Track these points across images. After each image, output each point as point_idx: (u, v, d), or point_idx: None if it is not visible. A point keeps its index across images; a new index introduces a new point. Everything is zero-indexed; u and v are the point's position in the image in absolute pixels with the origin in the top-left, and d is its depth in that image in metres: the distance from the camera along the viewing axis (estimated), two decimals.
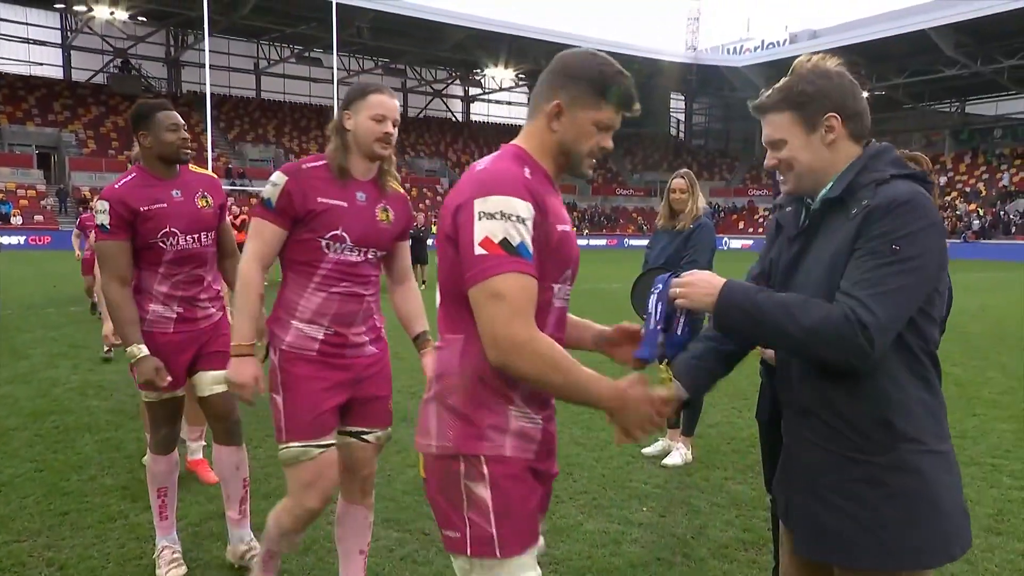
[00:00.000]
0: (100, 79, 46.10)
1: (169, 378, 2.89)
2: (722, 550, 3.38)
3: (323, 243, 2.41)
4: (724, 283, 1.63)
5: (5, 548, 3.24)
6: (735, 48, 52.59)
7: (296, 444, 2.40)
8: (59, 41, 45.85)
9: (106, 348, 7.97)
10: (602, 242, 46.59)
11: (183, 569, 3.05)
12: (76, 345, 8.28)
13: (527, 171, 1.62)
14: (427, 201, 41.72)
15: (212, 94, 32.95)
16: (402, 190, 2.67)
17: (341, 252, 2.44)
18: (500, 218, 1.50)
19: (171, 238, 2.91)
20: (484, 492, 1.59)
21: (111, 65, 46.70)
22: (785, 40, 49.01)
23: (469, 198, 1.55)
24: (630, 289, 4.70)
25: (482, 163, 1.65)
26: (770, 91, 1.72)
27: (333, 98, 35.61)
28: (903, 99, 44.28)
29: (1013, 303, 14.42)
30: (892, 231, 1.51)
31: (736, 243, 44.31)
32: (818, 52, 1.81)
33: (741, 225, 49.63)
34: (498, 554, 1.58)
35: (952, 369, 7.41)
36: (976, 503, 3.91)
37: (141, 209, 2.83)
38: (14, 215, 33.63)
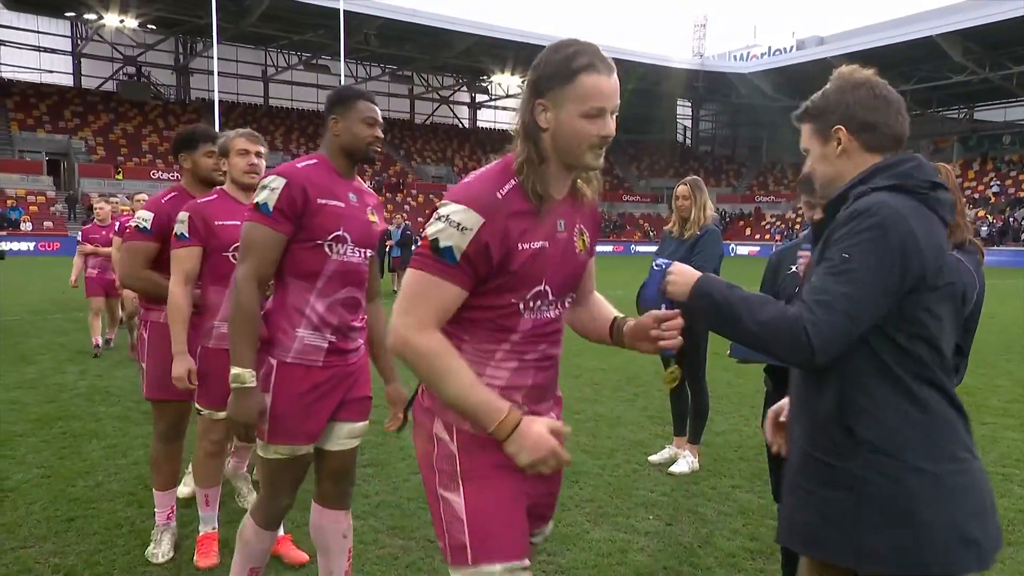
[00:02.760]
0: (110, 86, 46.44)
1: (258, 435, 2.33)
2: (729, 559, 3.36)
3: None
4: (700, 275, 1.73)
5: (12, 554, 3.25)
6: (742, 55, 52.63)
7: (499, 567, 1.63)
8: (69, 49, 46.23)
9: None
10: (608, 248, 46.57)
11: None
12: (83, 351, 8.31)
13: None
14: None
15: (220, 101, 33.20)
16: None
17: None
18: None
19: (340, 244, 2.38)
20: None
21: (121, 72, 47.04)
22: (792, 47, 49.03)
23: None
24: (636, 295, 4.71)
25: None
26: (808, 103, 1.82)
27: None
28: (911, 105, 44.05)
29: (1022, 310, 14.32)
30: (844, 239, 1.57)
31: (743, 249, 44.21)
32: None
33: (748, 231, 49.52)
34: None
35: None
36: None
37: (317, 200, 2.32)
38: (24, 221, 33.86)
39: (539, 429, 1.62)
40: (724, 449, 5.06)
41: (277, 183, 2.28)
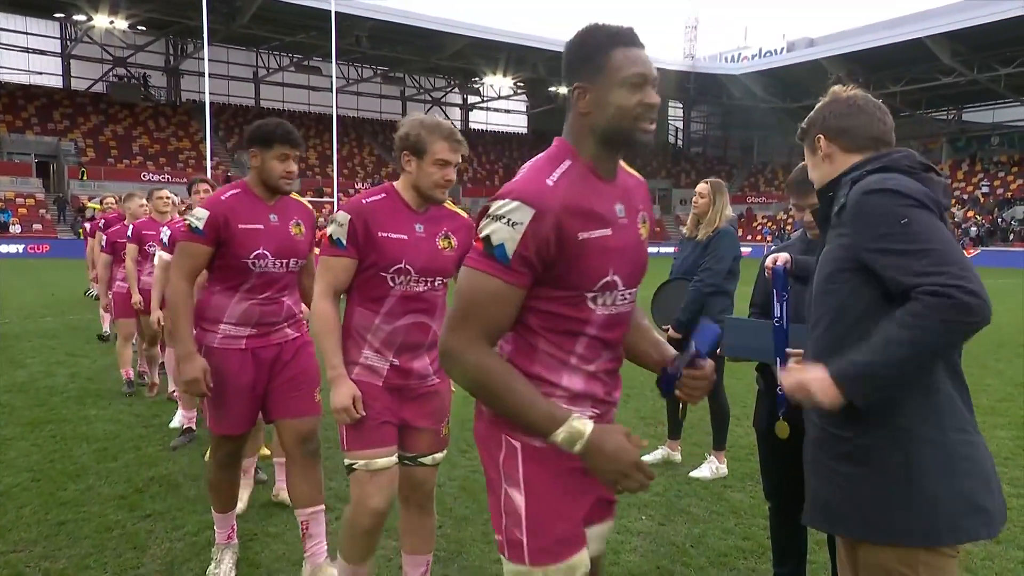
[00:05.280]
0: (99, 88, 46.19)
1: None
2: (721, 559, 3.38)
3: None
4: (829, 371, 1.61)
5: (2, 559, 3.23)
6: (733, 56, 52.79)
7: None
8: (59, 50, 45.93)
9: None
10: None
11: None
12: (74, 354, 8.26)
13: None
14: None
15: (211, 103, 33.03)
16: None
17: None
18: None
19: (609, 292, 1.74)
20: None
21: (110, 74, 46.80)
22: (782, 48, 49.20)
23: None
24: (651, 297, 4.65)
25: None
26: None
27: (332, 106, 35.75)
28: (900, 107, 44.42)
29: (1011, 310, 14.43)
30: (886, 214, 1.60)
31: None
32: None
33: (739, 232, 49.48)
34: None
35: None
36: None
37: (578, 235, 1.60)
38: (13, 224, 33.64)
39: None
40: None
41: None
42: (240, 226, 2.88)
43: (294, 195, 3.11)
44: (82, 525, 3.60)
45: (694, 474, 4.51)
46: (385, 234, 2.44)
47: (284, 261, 2.99)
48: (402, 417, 2.55)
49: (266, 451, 4.46)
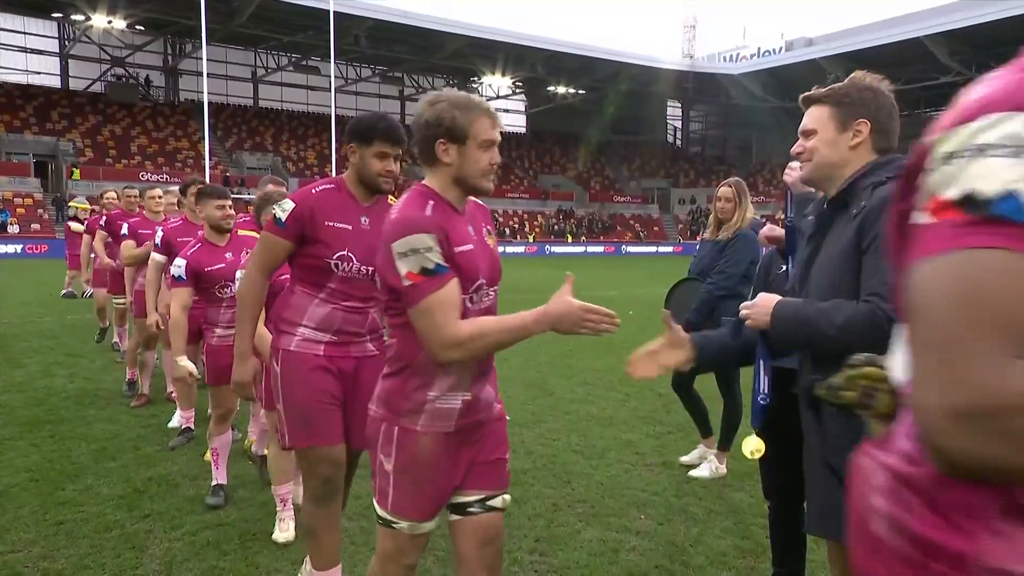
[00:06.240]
0: (98, 88, 46.14)
1: None
2: (720, 558, 3.38)
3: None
4: (777, 301, 1.87)
5: (1, 559, 3.23)
6: (731, 56, 52.87)
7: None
8: (57, 50, 45.89)
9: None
10: (600, 249, 46.63)
11: None
12: (72, 354, 8.26)
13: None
14: None
15: (209, 102, 33.02)
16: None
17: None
18: None
19: None
20: None
21: (109, 74, 46.76)
22: (781, 48, 49.27)
23: None
24: (665, 294, 4.59)
25: None
26: (822, 88, 1.96)
27: (331, 106, 35.74)
28: (899, 106, 44.40)
29: None
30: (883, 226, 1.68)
31: None
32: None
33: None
34: None
35: None
36: None
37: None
38: (11, 224, 33.61)
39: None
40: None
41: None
42: (327, 223, 2.62)
43: (390, 199, 2.77)
44: (81, 525, 3.60)
45: (693, 473, 4.50)
46: (459, 249, 1.95)
47: (371, 268, 2.59)
48: (469, 463, 2.11)
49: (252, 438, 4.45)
